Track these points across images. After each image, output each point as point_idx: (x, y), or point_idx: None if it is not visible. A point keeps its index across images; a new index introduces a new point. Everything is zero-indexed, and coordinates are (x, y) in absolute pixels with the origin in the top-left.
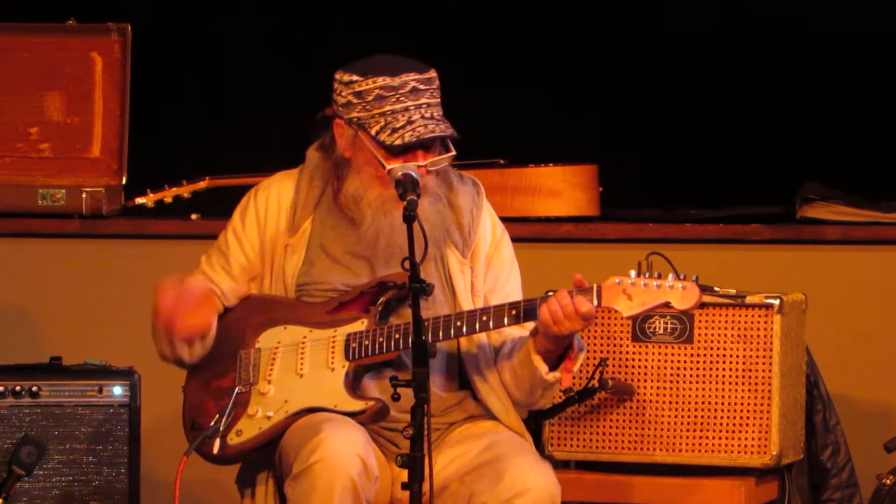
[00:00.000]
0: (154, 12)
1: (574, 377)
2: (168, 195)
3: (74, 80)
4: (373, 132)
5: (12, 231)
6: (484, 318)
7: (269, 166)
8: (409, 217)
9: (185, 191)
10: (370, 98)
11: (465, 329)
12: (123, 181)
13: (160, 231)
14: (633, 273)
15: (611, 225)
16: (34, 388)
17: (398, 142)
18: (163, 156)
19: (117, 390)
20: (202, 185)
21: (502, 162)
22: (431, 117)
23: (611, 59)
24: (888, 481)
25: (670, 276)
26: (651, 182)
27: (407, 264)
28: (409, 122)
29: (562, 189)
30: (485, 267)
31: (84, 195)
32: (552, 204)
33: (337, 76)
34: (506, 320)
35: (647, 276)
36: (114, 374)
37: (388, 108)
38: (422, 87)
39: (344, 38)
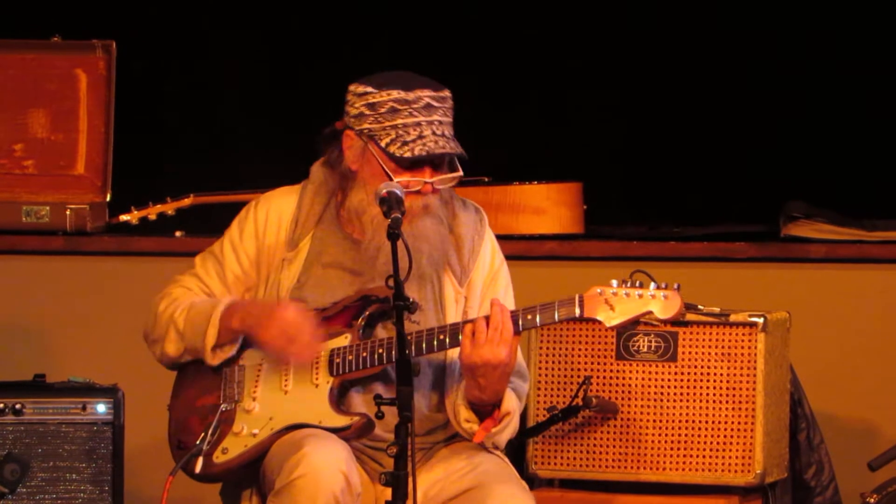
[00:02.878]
0: (139, 29)
1: (558, 402)
2: (152, 212)
3: (59, 97)
4: (383, 144)
5: None
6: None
7: (253, 184)
8: (393, 235)
9: (169, 208)
10: (383, 110)
11: (448, 342)
12: (108, 198)
13: (144, 248)
14: (614, 282)
15: (595, 243)
16: (18, 406)
17: (408, 154)
18: (147, 173)
19: (101, 408)
20: (186, 202)
21: (486, 179)
22: (443, 135)
23: (596, 76)
24: (872, 500)
25: (652, 284)
26: (635, 200)
27: (391, 282)
28: (420, 137)
29: (546, 207)
30: (480, 299)
31: (68, 212)
32: (536, 221)
33: (351, 88)
34: None
35: (628, 285)
36: (97, 391)
37: (399, 121)
38: (435, 104)
39: (329, 57)
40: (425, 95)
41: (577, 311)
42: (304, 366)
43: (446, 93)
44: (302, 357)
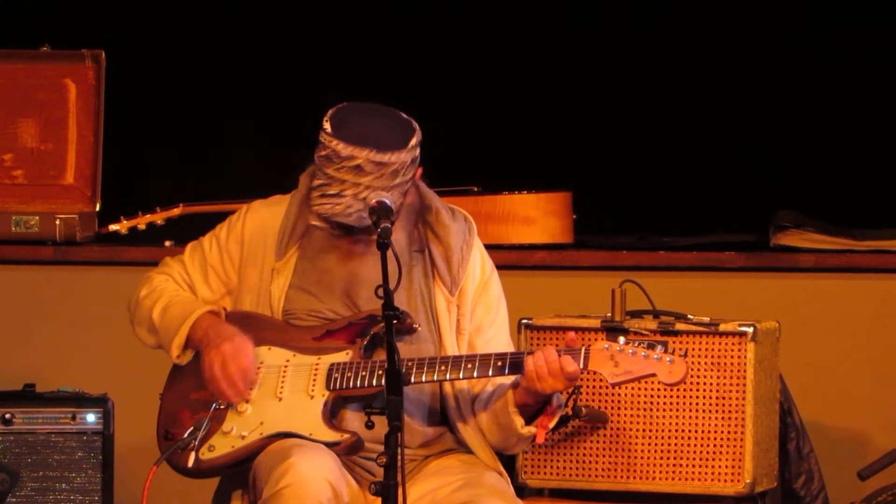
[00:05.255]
0: (128, 38)
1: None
2: (142, 222)
3: (48, 107)
4: (313, 184)
5: None
6: (469, 365)
7: (242, 193)
8: (383, 245)
9: (158, 218)
10: (322, 153)
11: (448, 374)
12: (97, 208)
13: (134, 258)
14: (622, 339)
15: (585, 252)
16: (7, 416)
17: (316, 209)
18: (136, 182)
19: (90, 418)
20: (176, 211)
21: (476, 189)
22: (363, 199)
23: (585, 86)
24: None
25: (659, 347)
26: (625, 209)
27: (380, 291)
28: (339, 196)
29: (536, 216)
30: (472, 307)
31: (58, 222)
32: (526, 231)
33: (329, 112)
34: (491, 371)
35: (635, 344)
36: (87, 401)
37: (330, 170)
38: (369, 167)
39: (318, 67)
40: (362, 156)
41: (582, 363)
42: (226, 398)
43: (391, 157)
44: (222, 394)
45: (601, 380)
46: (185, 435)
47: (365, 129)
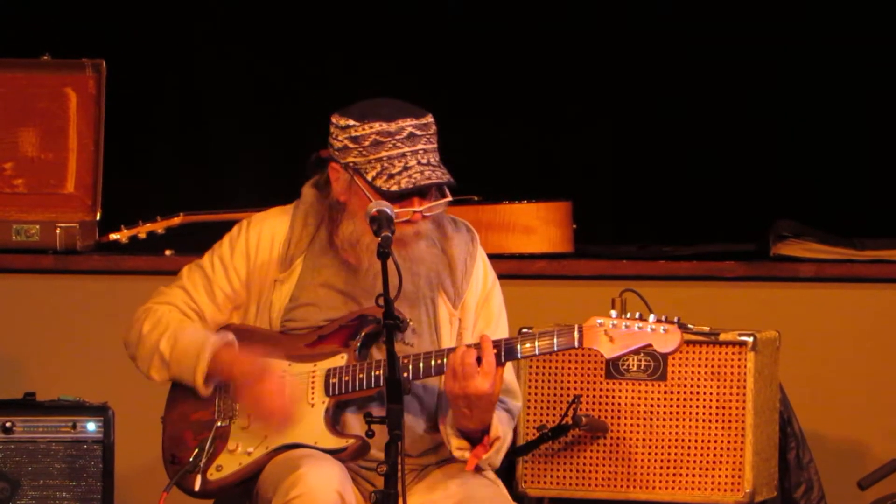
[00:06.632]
0: (129, 47)
1: (548, 420)
2: (142, 231)
3: (49, 116)
4: (369, 177)
5: None
6: None
7: (243, 202)
8: (384, 254)
9: (159, 227)
10: (366, 143)
11: (444, 366)
12: (97, 217)
13: (134, 267)
14: (613, 314)
15: (585, 262)
16: (8, 424)
17: (394, 188)
18: (137, 191)
19: (91, 426)
20: (176, 221)
21: (476, 198)
22: (428, 163)
23: (586, 96)
24: None
25: (651, 317)
26: (625, 219)
27: (381, 300)
28: (406, 169)
29: (536, 226)
30: (473, 319)
31: (58, 231)
32: (526, 241)
33: (333, 119)
34: None
35: (628, 316)
36: (87, 410)
37: (384, 153)
38: (418, 132)
39: (319, 74)
40: (407, 125)
41: (577, 342)
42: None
43: (429, 118)
44: (273, 429)
45: (600, 387)
46: (191, 458)
47: (389, 107)
